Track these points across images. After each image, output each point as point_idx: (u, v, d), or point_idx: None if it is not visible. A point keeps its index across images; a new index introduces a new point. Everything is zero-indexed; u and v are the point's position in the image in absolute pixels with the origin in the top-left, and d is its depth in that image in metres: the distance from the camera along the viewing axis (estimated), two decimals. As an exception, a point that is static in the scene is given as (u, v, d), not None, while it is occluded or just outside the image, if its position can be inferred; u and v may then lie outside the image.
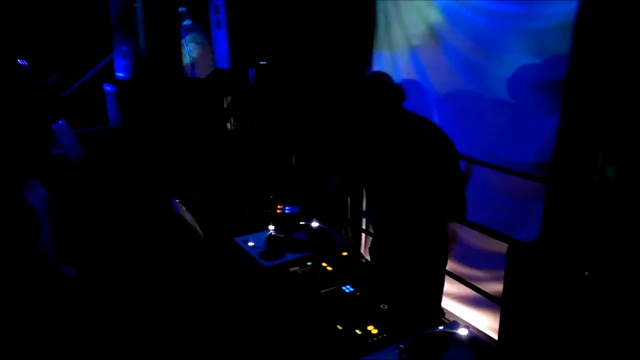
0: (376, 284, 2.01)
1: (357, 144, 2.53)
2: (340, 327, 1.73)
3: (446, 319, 1.73)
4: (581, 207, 2.04)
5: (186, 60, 4.13)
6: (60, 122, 2.97)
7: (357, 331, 1.71)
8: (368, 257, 2.76)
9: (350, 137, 2.60)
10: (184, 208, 2.61)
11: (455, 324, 1.72)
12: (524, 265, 1.99)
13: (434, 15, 3.22)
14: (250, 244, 2.34)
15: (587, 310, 1.79)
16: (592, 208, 2.01)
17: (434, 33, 3.25)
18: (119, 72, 3.99)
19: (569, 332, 1.74)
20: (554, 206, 2.22)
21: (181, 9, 4.09)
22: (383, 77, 2.35)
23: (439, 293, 2.54)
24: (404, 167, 2.33)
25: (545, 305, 1.87)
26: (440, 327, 1.71)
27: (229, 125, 4.15)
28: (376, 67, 3.75)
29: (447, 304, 3.20)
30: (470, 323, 2.83)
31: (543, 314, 1.84)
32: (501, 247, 2.94)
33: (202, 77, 4.26)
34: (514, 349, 1.58)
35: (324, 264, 2.17)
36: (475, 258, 3.13)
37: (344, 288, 1.98)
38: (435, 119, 3.30)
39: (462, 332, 1.65)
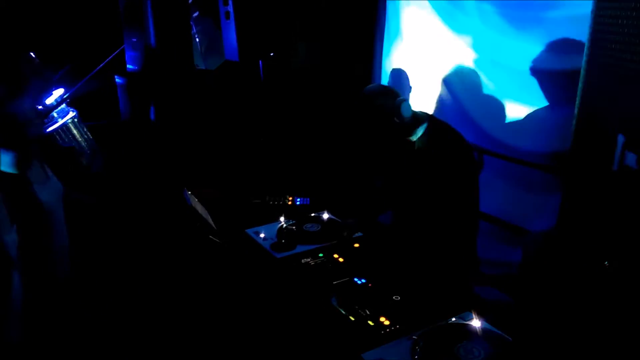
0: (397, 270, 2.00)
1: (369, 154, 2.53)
2: (352, 319, 1.73)
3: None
4: (599, 196, 2.01)
5: (196, 52, 4.12)
6: (74, 114, 2.99)
7: (370, 322, 1.71)
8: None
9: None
10: (196, 200, 2.62)
11: (468, 315, 1.71)
12: (540, 256, 1.97)
13: (446, 8, 3.18)
14: (262, 235, 2.35)
15: (606, 302, 1.77)
16: (611, 197, 1.98)
17: (444, 23, 3.22)
18: (130, 64, 4.00)
19: (586, 324, 1.72)
20: (571, 196, 2.19)
21: (190, 1, 4.08)
22: (380, 97, 2.26)
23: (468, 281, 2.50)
24: (417, 179, 2.29)
25: (562, 297, 1.85)
26: (454, 319, 1.70)
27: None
28: (385, 58, 3.74)
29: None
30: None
31: (559, 306, 1.82)
32: (510, 238, 2.94)
33: (211, 69, 4.26)
34: (528, 341, 1.56)
35: (335, 256, 2.16)
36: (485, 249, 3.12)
37: (356, 279, 1.97)
38: (448, 109, 3.28)
39: (476, 323, 1.64)
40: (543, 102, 2.77)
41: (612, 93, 1.99)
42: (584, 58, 2.11)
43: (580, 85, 2.17)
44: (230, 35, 3.66)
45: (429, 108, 3.43)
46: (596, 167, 2.03)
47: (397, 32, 3.61)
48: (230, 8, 3.58)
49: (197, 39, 4.25)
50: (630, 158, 1.89)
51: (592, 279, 1.88)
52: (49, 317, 2.16)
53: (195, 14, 4.23)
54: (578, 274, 1.92)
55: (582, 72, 2.15)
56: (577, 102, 2.17)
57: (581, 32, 2.36)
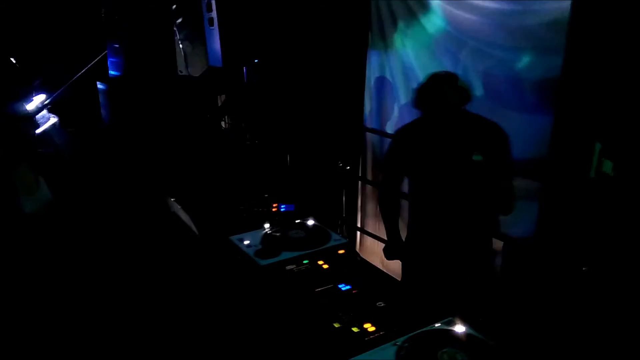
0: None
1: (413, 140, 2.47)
2: (337, 325, 1.74)
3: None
4: (578, 203, 2.05)
5: (179, 58, 4.11)
6: (56, 121, 2.95)
7: (354, 329, 1.71)
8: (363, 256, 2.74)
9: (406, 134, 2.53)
10: (179, 207, 2.60)
11: (452, 321, 1.72)
12: (520, 262, 2.00)
13: (427, 14, 3.22)
14: (246, 242, 2.34)
15: (584, 307, 1.80)
16: (589, 203, 2.01)
17: (427, 32, 3.26)
18: (112, 70, 3.96)
19: (566, 329, 1.75)
20: (550, 202, 2.22)
21: (173, 7, 4.06)
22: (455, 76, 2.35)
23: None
24: (467, 154, 2.30)
25: (542, 302, 1.88)
26: (437, 324, 1.72)
27: (223, 123, 4.12)
28: (370, 66, 3.77)
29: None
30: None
31: (539, 311, 1.85)
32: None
33: (195, 76, 4.24)
34: (510, 347, 1.59)
35: (320, 262, 2.17)
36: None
37: (340, 286, 1.98)
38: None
39: (460, 329, 1.66)
40: (521, 109, 2.81)
41: (589, 100, 2.04)
42: (562, 63, 2.15)
43: (557, 92, 2.21)
44: (214, 41, 3.66)
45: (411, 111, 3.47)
46: (574, 174, 2.07)
47: (379, 38, 3.65)
48: (214, 14, 3.58)
49: (181, 45, 4.24)
50: (607, 165, 1.93)
51: (571, 283, 1.91)
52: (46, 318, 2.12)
53: (179, 20, 4.21)
54: (557, 278, 1.95)
55: (560, 79, 2.19)
56: (554, 110, 2.21)
57: (559, 39, 2.41)
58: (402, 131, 2.59)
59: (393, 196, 2.63)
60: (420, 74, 3.35)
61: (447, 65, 3.15)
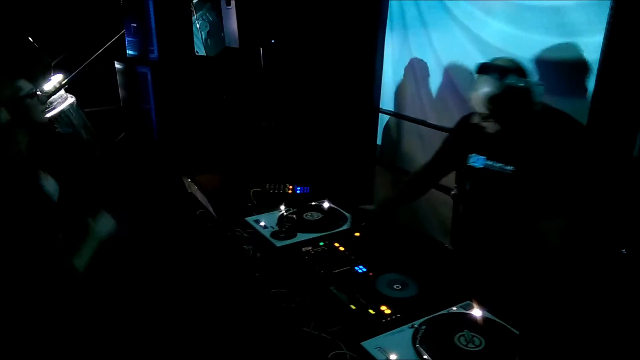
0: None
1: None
2: (353, 307, 1.73)
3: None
4: (620, 182, 1.99)
5: (196, 38, 4.09)
6: (73, 101, 2.96)
7: (371, 311, 1.71)
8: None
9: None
10: (196, 187, 2.61)
11: (469, 304, 1.71)
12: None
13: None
14: (262, 223, 2.34)
15: (620, 291, 1.76)
16: (630, 184, 1.96)
17: (448, 11, 3.19)
18: (130, 50, 3.95)
19: (597, 314, 1.72)
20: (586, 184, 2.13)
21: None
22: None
23: None
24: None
25: (569, 285, 1.85)
26: (454, 308, 1.71)
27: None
28: (388, 46, 3.71)
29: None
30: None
31: (564, 295, 1.82)
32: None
33: (212, 56, 4.23)
34: (530, 331, 1.56)
35: (336, 244, 2.16)
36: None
37: (356, 268, 1.97)
38: (449, 100, 3.26)
39: (477, 313, 1.64)
40: (554, 92, 2.73)
41: (631, 81, 1.97)
42: (602, 43, 2.08)
43: (596, 74, 2.15)
44: (231, 21, 3.64)
45: (432, 97, 3.43)
46: (613, 155, 2.01)
47: (400, 18, 3.58)
48: (231, -6, 3.55)
49: (198, 25, 4.22)
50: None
51: (608, 266, 1.87)
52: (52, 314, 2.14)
53: (196, 0, 4.19)
54: (594, 261, 1.91)
55: (600, 58, 2.13)
56: (596, 82, 2.14)
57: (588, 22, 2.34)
58: (464, 120, 2.26)
59: (423, 182, 2.44)
60: (441, 55, 3.29)
61: (470, 48, 3.08)
